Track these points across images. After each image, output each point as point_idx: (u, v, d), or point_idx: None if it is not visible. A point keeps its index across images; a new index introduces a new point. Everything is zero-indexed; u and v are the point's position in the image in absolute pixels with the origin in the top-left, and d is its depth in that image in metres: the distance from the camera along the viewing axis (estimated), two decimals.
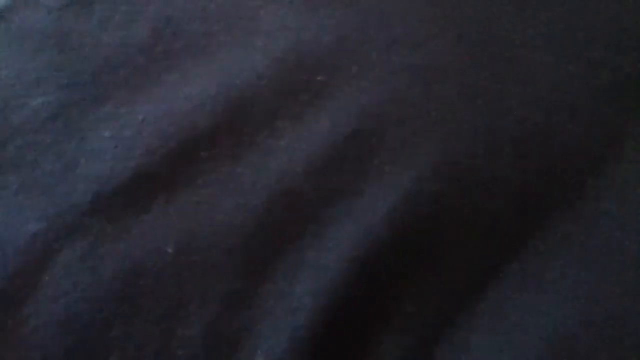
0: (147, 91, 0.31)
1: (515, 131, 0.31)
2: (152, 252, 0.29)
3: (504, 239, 0.31)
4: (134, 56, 0.31)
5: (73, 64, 0.31)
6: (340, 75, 0.31)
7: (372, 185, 0.30)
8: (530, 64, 0.32)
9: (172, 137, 0.30)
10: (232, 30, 0.32)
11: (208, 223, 0.30)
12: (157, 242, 0.29)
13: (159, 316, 0.29)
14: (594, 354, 0.30)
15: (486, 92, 0.31)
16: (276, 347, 0.29)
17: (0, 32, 0.32)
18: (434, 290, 0.30)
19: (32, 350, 0.29)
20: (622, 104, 0.32)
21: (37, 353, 0.29)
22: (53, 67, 0.31)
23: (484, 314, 0.30)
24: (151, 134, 0.30)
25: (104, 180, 0.30)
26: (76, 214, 0.29)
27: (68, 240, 0.29)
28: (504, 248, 0.31)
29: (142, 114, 0.31)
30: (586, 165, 0.31)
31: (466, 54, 0.32)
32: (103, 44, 0.31)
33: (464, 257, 0.31)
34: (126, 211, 0.30)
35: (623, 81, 0.33)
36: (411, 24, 0.32)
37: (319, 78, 0.31)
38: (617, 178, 0.32)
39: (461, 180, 0.31)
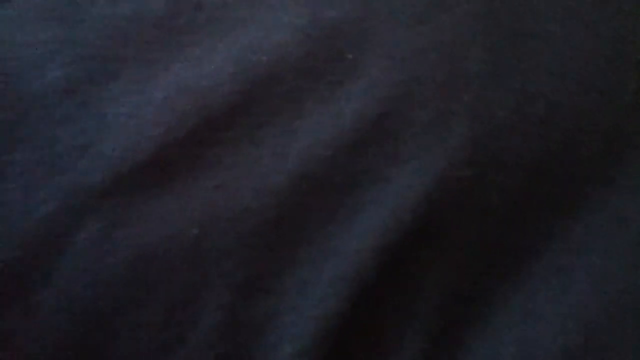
0: (166, 67, 0.30)
1: (544, 113, 0.30)
2: (172, 235, 0.28)
3: (533, 227, 0.30)
4: (152, 30, 0.30)
5: (88, 37, 0.30)
6: (367, 54, 0.30)
7: (400, 170, 0.29)
8: (562, 42, 0.31)
9: (193, 116, 0.29)
10: (256, 4, 0.31)
11: (229, 207, 0.29)
12: (178, 224, 0.28)
13: (178, 302, 0.28)
14: (622, 347, 0.29)
15: (517, 72, 0.30)
16: (302, 335, 0.28)
17: (12, 2, 0.30)
18: (460, 280, 0.30)
19: (45, 336, 0.28)
20: None
21: (50, 338, 0.28)
22: (69, 40, 0.30)
23: (512, 306, 0.30)
24: (172, 113, 0.29)
25: (123, 159, 0.28)
26: (94, 194, 0.28)
27: (85, 221, 0.28)
28: (533, 237, 0.30)
29: (162, 91, 0.29)
30: (613, 151, 0.31)
31: (496, 31, 0.31)
32: (118, 17, 0.30)
33: (491, 246, 0.30)
34: (145, 192, 0.28)
35: None
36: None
37: (346, 56, 0.30)
38: None
39: (490, 165, 0.30)
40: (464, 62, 0.30)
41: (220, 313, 0.29)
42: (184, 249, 0.28)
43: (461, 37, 0.30)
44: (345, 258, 0.29)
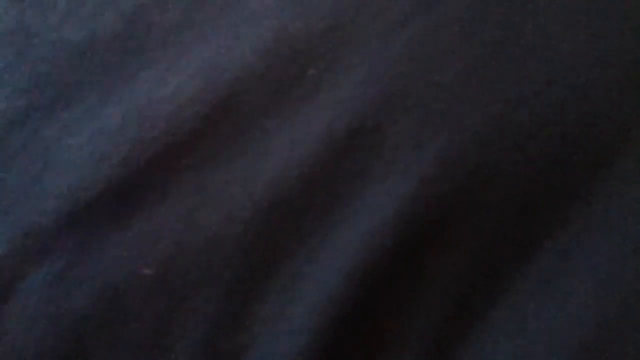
0: (121, 92, 0.28)
1: (528, 122, 0.28)
2: (129, 275, 0.27)
3: (518, 239, 0.28)
4: (104, 53, 0.28)
5: (35, 65, 0.28)
6: (336, 67, 0.28)
7: (374, 188, 0.28)
8: (548, 47, 0.29)
9: (151, 143, 0.27)
10: (215, 19, 0.29)
11: (193, 239, 0.27)
12: (134, 263, 0.27)
13: (144, 341, 0.27)
14: (618, 357, 0.27)
15: (499, 80, 0.28)
16: None
17: None
18: (443, 298, 0.28)
19: None
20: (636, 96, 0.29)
21: None
22: (14, 69, 0.28)
23: (502, 321, 0.28)
24: (127, 140, 0.27)
25: (76, 194, 0.27)
26: (45, 234, 0.27)
27: (36, 264, 0.27)
28: (518, 249, 0.28)
29: (116, 117, 0.28)
30: (599, 159, 0.29)
31: (479, 37, 0.29)
32: (67, 41, 0.28)
33: (475, 260, 0.28)
34: (101, 228, 0.27)
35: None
36: (413, 5, 0.29)
37: (308, 72, 0.28)
38: (632, 171, 0.29)
39: (470, 178, 0.28)
40: (441, 72, 0.28)
41: (193, 348, 0.27)
42: (145, 287, 0.27)
43: (439, 45, 0.29)
44: (317, 286, 0.27)
